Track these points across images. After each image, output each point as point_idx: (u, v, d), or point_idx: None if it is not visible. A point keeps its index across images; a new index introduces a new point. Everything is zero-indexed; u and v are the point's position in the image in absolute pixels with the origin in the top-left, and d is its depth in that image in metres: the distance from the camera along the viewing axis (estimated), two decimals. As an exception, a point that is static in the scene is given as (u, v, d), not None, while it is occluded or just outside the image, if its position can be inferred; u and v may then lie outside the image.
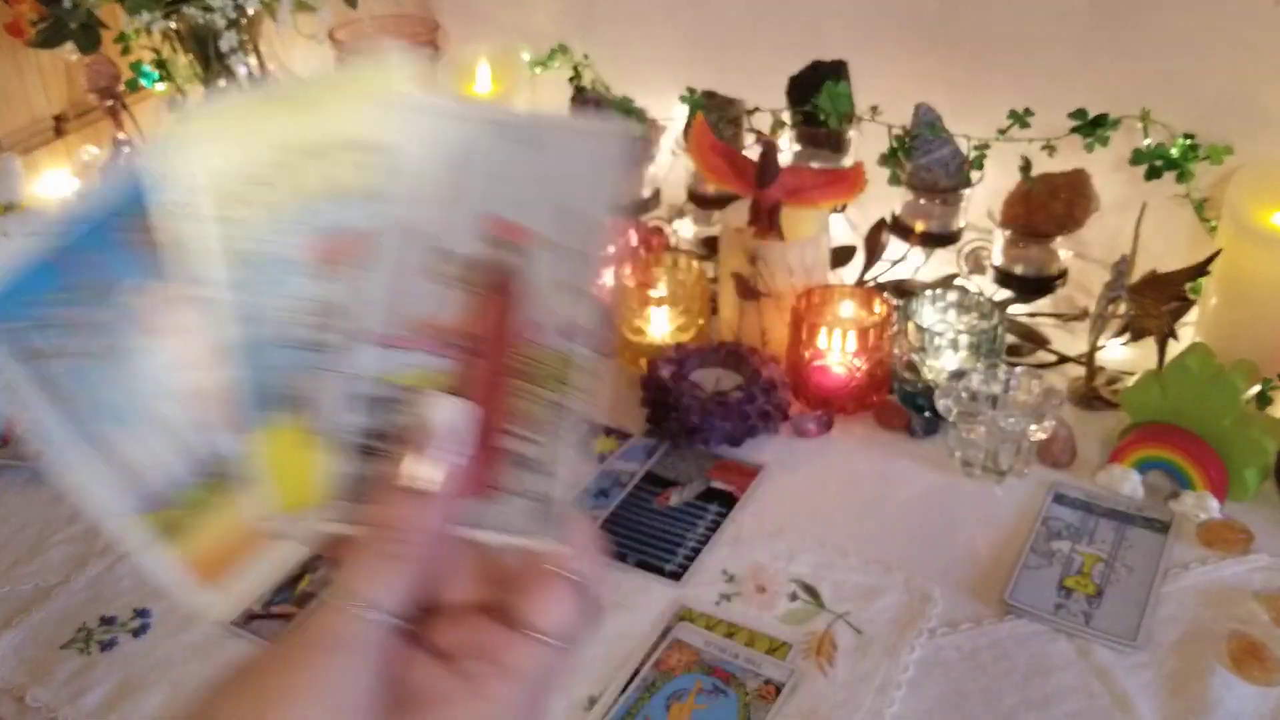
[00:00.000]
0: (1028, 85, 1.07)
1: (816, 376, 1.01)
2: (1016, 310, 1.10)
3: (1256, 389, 0.92)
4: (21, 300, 0.37)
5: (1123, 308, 0.98)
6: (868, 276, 1.17)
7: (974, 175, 1.10)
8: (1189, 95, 1.01)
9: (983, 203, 1.10)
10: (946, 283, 1.13)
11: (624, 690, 0.75)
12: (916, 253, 1.16)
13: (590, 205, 0.37)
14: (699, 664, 0.76)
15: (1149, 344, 0.99)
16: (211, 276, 0.38)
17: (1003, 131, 1.06)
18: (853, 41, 1.15)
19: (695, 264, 1.11)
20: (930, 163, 1.09)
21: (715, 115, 1.19)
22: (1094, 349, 1.02)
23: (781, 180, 1.03)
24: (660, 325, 1.07)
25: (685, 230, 1.32)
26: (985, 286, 1.11)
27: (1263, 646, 0.75)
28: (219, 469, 0.39)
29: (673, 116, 1.27)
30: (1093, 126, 1.03)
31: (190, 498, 0.40)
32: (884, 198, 1.14)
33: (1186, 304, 0.97)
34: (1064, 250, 1.08)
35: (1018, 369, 0.93)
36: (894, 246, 1.17)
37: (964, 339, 0.97)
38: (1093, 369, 1.03)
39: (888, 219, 1.16)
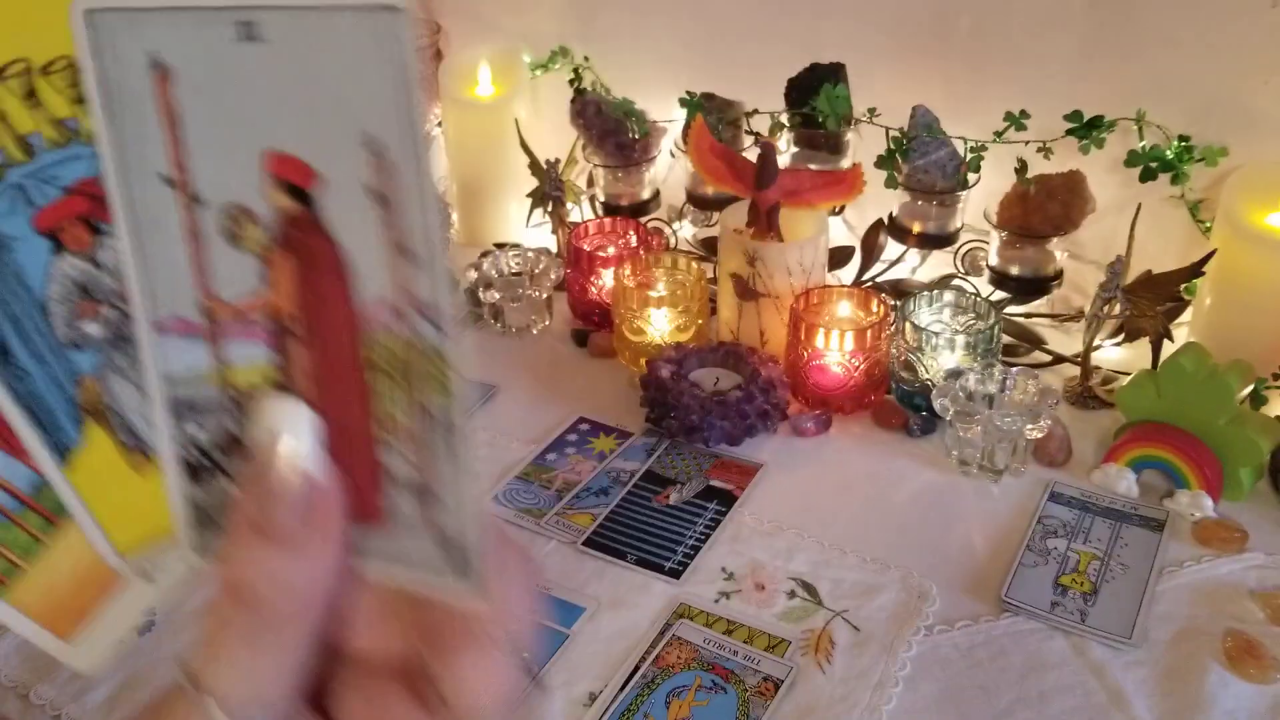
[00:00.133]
0: (1024, 87, 1.08)
1: (815, 376, 1.02)
2: (1013, 310, 1.11)
3: (1251, 388, 0.93)
4: None
5: (1118, 308, 0.99)
6: (865, 277, 1.18)
7: (971, 177, 1.11)
8: (1184, 97, 1.02)
9: (979, 204, 1.11)
10: (943, 283, 1.13)
11: (624, 687, 0.75)
12: (913, 253, 1.17)
13: (384, 123, 0.25)
14: (698, 661, 0.77)
15: (1144, 344, 1.00)
16: None
17: (999, 133, 1.07)
18: (851, 44, 1.16)
19: (694, 264, 1.12)
20: (927, 164, 1.10)
21: (714, 117, 1.20)
22: (1089, 349, 1.03)
23: (780, 182, 1.03)
24: (660, 325, 1.08)
25: (685, 231, 1.33)
26: (982, 287, 1.11)
27: (1258, 644, 0.76)
28: (34, 500, 0.31)
29: (672, 118, 1.28)
30: (1088, 128, 1.03)
31: (5, 538, 0.31)
32: (881, 199, 1.15)
33: (1181, 304, 0.98)
34: (1060, 251, 1.08)
35: (1014, 369, 0.94)
36: (891, 247, 1.17)
37: (961, 339, 0.98)
38: (1088, 369, 1.03)
39: (885, 220, 1.17)
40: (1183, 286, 0.97)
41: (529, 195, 1.28)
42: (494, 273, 1.19)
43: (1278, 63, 0.97)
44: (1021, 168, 1.06)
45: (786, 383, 1.02)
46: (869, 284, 1.17)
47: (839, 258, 1.19)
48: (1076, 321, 1.10)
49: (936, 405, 0.93)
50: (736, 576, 0.85)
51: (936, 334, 0.98)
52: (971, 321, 1.03)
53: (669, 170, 1.32)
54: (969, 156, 1.10)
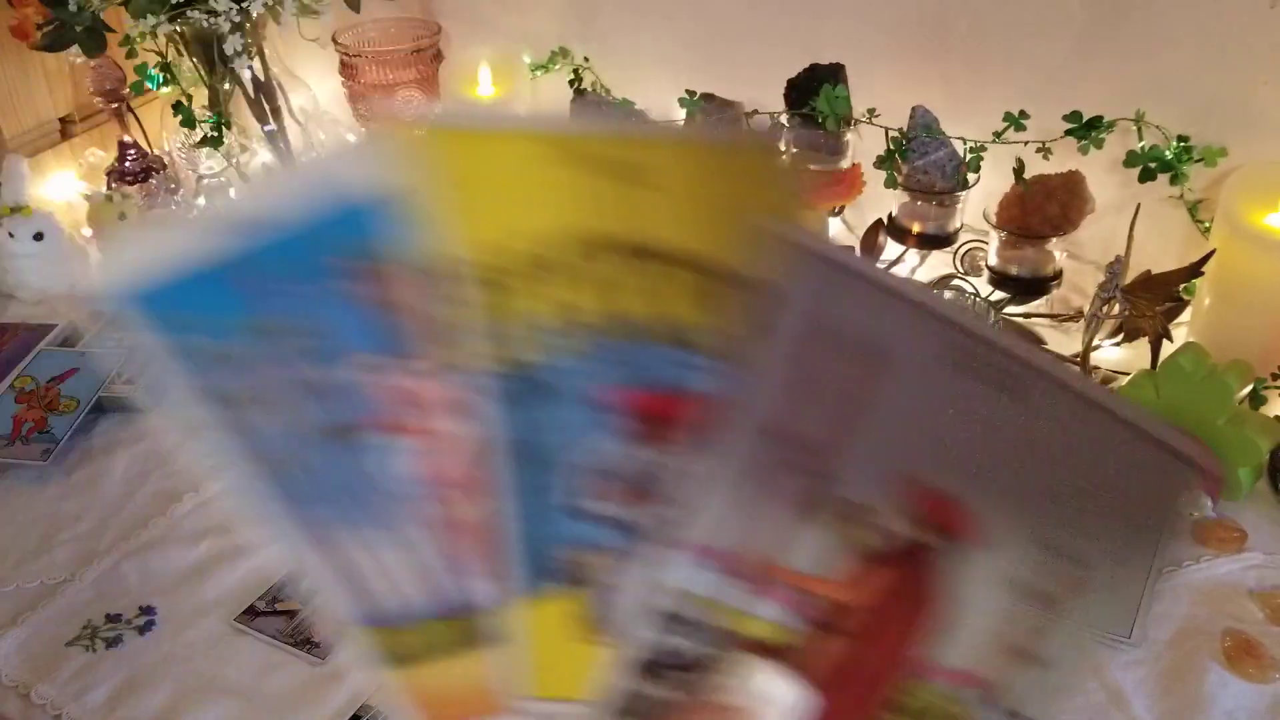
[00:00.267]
0: (1023, 88, 1.08)
1: (814, 376, 1.02)
2: (1012, 311, 1.11)
3: (1250, 388, 0.93)
4: (184, 305, 0.28)
5: (1117, 308, 0.99)
6: (865, 277, 1.18)
7: (970, 177, 1.11)
8: (1183, 97, 1.02)
9: (979, 204, 1.11)
10: (943, 283, 1.13)
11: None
12: (913, 254, 1.17)
13: (1102, 544, 0.22)
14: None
15: (1143, 344, 1.00)
16: (476, 379, 0.28)
17: (999, 134, 1.07)
18: (850, 45, 1.16)
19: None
20: (927, 165, 1.10)
21: (714, 117, 1.20)
22: (1089, 349, 1.03)
23: (780, 182, 1.03)
24: (659, 326, 1.08)
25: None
26: (981, 287, 1.11)
27: (1257, 644, 0.76)
28: (467, 616, 0.31)
29: (672, 119, 1.28)
30: (1087, 129, 1.03)
31: (427, 633, 0.31)
32: (881, 199, 1.15)
33: (1180, 304, 0.98)
34: (1059, 251, 1.08)
35: (1013, 369, 0.94)
36: (891, 248, 1.18)
37: (960, 339, 0.98)
38: (1087, 368, 1.03)
39: (884, 221, 1.17)
40: (1182, 287, 0.97)
41: (529, 196, 1.28)
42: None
43: (1278, 63, 0.97)
44: (1020, 168, 1.06)
45: (786, 383, 1.02)
46: (869, 284, 1.17)
47: (839, 258, 1.19)
48: (1076, 321, 1.10)
49: (936, 405, 0.93)
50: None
51: (936, 334, 0.98)
52: (971, 322, 1.03)
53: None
54: (968, 157, 1.10)
